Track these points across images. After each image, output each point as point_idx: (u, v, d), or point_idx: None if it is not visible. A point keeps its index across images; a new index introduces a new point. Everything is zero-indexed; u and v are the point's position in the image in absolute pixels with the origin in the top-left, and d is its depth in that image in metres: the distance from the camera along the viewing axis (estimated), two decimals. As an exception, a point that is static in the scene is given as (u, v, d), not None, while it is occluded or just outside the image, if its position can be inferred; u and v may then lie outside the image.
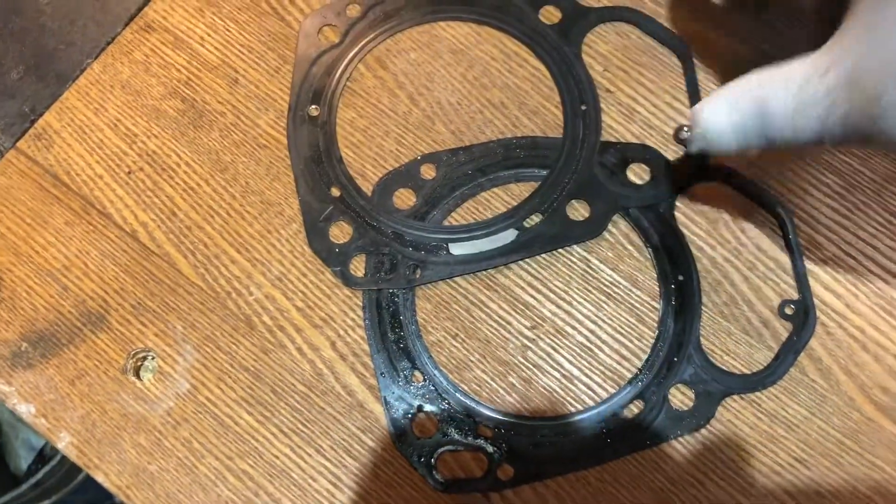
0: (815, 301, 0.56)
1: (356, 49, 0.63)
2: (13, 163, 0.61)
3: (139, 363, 0.56)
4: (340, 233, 0.59)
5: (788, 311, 0.56)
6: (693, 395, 0.55)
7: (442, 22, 0.64)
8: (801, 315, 0.56)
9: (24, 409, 0.56)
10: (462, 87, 0.62)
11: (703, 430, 0.54)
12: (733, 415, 0.55)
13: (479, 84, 0.62)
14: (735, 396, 0.55)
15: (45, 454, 1.58)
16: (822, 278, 0.57)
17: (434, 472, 0.54)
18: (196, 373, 0.56)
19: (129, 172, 0.60)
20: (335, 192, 0.60)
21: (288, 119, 0.62)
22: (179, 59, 0.63)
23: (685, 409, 0.55)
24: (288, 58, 0.63)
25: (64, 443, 0.55)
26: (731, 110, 0.45)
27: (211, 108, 0.62)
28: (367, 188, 0.60)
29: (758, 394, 0.55)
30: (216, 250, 0.58)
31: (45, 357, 0.57)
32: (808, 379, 0.55)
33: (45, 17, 0.69)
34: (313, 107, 0.62)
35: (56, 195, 0.60)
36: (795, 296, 0.57)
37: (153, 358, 0.56)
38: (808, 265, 0.57)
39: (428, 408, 0.55)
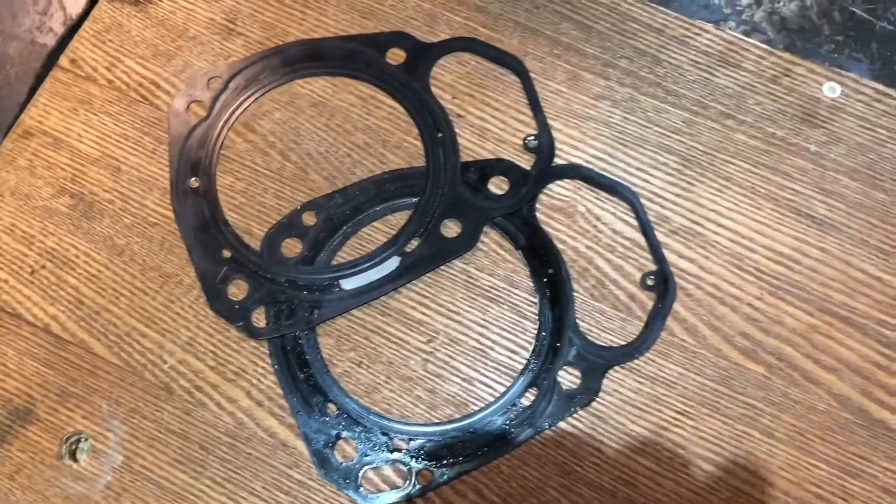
0: (672, 269, 0.63)
1: (224, 118, 0.68)
2: (-81, 284, 0.64)
3: (73, 446, 0.60)
4: (238, 290, 0.63)
5: (650, 282, 0.63)
6: (579, 374, 0.61)
7: (299, 80, 0.70)
8: (662, 284, 0.63)
9: (-30, 512, 0.59)
10: (327, 135, 0.68)
11: (593, 404, 0.60)
12: (618, 384, 0.61)
13: (342, 130, 0.68)
14: (616, 368, 0.61)
15: None
16: (674, 248, 0.64)
17: (360, 491, 0.59)
18: (127, 444, 0.60)
19: (33, 272, 0.64)
20: (226, 253, 0.64)
21: (172, 195, 0.66)
22: (62, 159, 0.68)
23: (574, 387, 0.61)
24: (163, 139, 0.68)
25: (13, 535, 0.58)
26: None
27: (99, 199, 0.66)
28: (255, 244, 0.65)
29: (636, 361, 0.61)
30: (126, 328, 0.63)
31: (-19, 459, 0.60)
32: (678, 339, 0.61)
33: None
34: (193, 179, 0.67)
35: (-35, 307, 0.64)
36: (654, 267, 0.63)
37: (85, 439, 0.60)
38: (661, 238, 0.64)
39: (345, 434, 0.60)
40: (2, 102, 0.73)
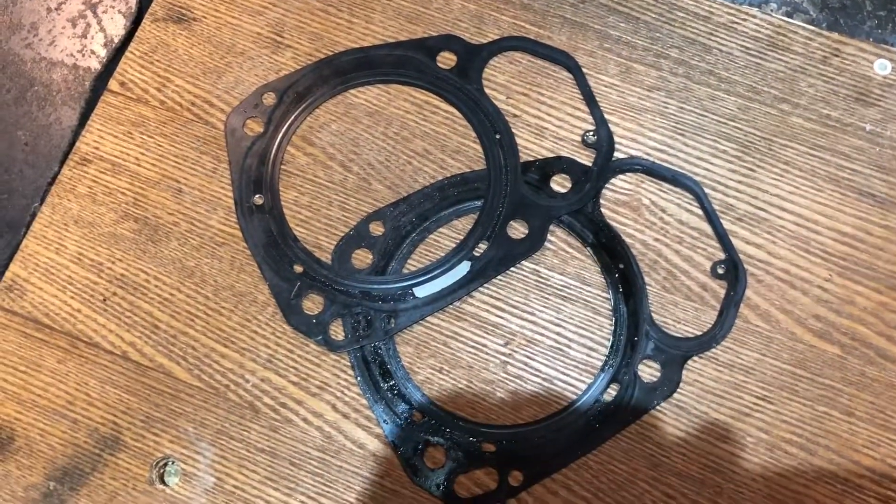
0: (741, 256, 0.64)
1: (282, 133, 0.69)
2: (-8, 319, 0.65)
3: (163, 471, 0.61)
4: (313, 304, 0.64)
5: (720, 270, 0.64)
6: (658, 367, 0.62)
7: (352, 90, 0.70)
8: (732, 271, 0.63)
9: (69, 542, 0.60)
10: (386, 144, 0.68)
11: (675, 395, 0.61)
12: (697, 374, 0.62)
13: (400, 138, 0.68)
14: (694, 358, 0.62)
15: None
16: (741, 234, 0.64)
17: (454, 496, 0.59)
18: (218, 466, 0.61)
19: (105, 300, 0.65)
20: (298, 268, 0.65)
21: (237, 213, 0.66)
22: (122, 183, 0.68)
23: (655, 380, 0.62)
24: (221, 157, 0.68)
25: (114, 562, 0.59)
26: None
27: (164, 221, 0.66)
28: (325, 258, 0.65)
29: (713, 350, 0.62)
30: (205, 350, 0.63)
31: (74, 489, 0.61)
32: (752, 325, 0.62)
33: (-21, 172, 0.73)
34: (257, 196, 0.67)
35: (41, 338, 0.64)
36: (723, 256, 0.64)
37: (174, 463, 0.61)
38: (727, 226, 0.65)
39: (434, 440, 0.61)
40: (51, 129, 0.73)
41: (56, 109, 0.75)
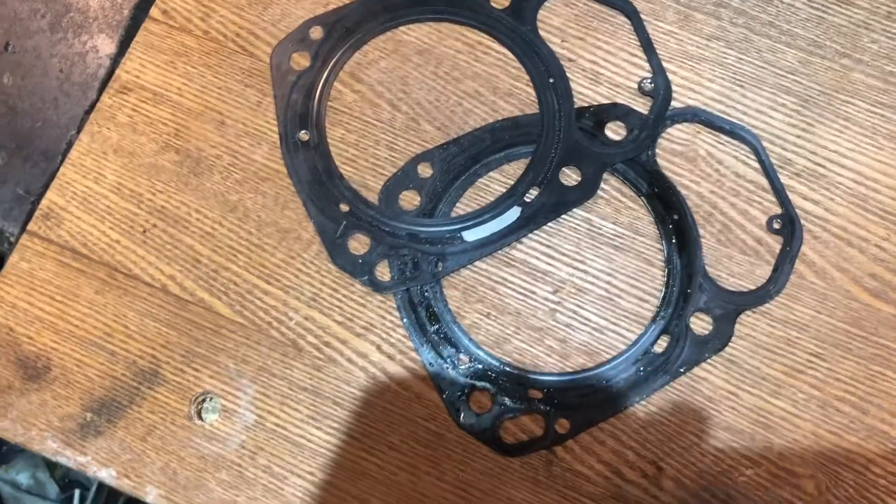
0: (798, 212, 0.62)
1: (329, 68, 0.67)
2: (29, 246, 0.63)
3: (202, 406, 0.60)
4: (359, 245, 0.62)
5: (776, 225, 0.62)
6: (711, 320, 0.61)
7: (402, 27, 0.68)
8: (789, 226, 0.62)
9: (105, 474, 0.59)
10: (436, 84, 0.66)
11: (726, 349, 0.60)
12: (749, 329, 0.61)
13: (451, 78, 0.66)
14: (748, 312, 0.61)
15: None
16: (799, 190, 0.63)
17: (500, 441, 0.58)
18: (259, 403, 0.59)
19: (144, 231, 0.63)
20: (344, 207, 0.63)
21: (282, 149, 0.65)
22: (163, 114, 0.66)
23: (706, 333, 0.60)
24: (266, 91, 0.66)
25: (152, 496, 0.58)
26: None
27: (206, 154, 0.64)
28: (372, 198, 0.64)
29: (767, 305, 0.61)
30: (247, 286, 0.62)
31: (111, 422, 0.59)
32: (808, 282, 0.61)
33: (13, 98, 0.71)
34: (303, 132, 0.65)
35: (79, 268, 0.62)
36: (779, 211, 0.63)
37: (214, 399, 0.60)
38: (784, 180, 0.63)
39: (480, 385, 0.60)
40: (87, 57, 0.71)
41: (92, 37, 0.73)
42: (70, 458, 0.59)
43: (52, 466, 1.67)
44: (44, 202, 0.64)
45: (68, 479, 1.65)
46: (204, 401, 0.60)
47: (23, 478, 1.61)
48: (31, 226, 0.64)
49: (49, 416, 0.60)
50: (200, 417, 0.60)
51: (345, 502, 0.58)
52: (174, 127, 0.66)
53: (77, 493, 1.65)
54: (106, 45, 0.72)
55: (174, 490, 0.58)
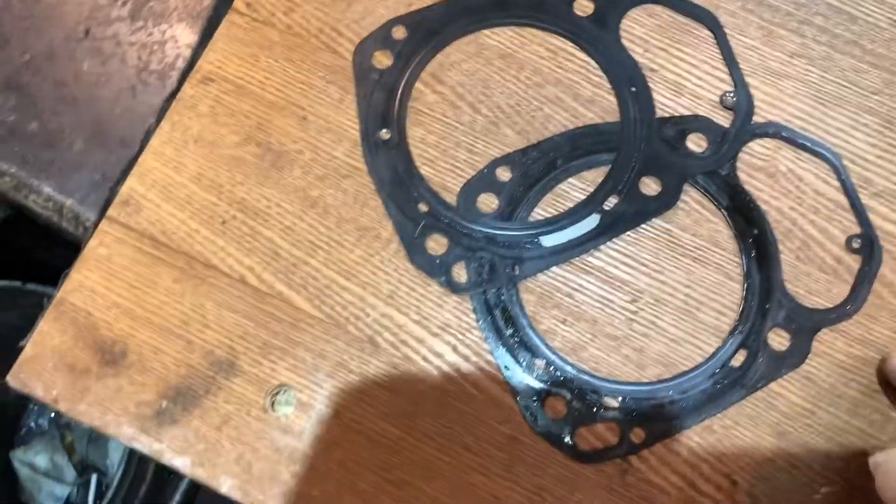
0: (878, 232, 0.62)
1: (411, 69, 0.67)
2: (108, 232, 0.63)
3: (278, 399, 0.60)
4: (436, 245, 0.63)
5: (855, 244, 0.62)
6: (788, 336, 0.61)
7: (485, 30, 0.68)
8: (868, 246, 0.62)
9: (180, 463, 0.59)
10: (518, 88, 0.66)
11: (803, 366, 0.60)
12: (827, 347, 0.61)
13: (532, 83, 0.67)
14: (825, 330, 0.61)
15: (71, 502, 1.60)
16: (879, 210, 0.63)
17: (575, 447, 0.59)
18: (334, 397, 0.60)
19: (224, 222, 0.63)
20: (423, 208, 0.63)
21: (363, 147, 0.65)
22: (245, 106, 0.66)
23: (784, 349, 0.60)
24: (348, 88, 0.66)
25: (226, 487, 0.58)
26: None
27: (287, 148, 0.65)
28: (450, 199, 0.64)
29: (845, 324, 0.61)
30: (326, 281, 0.62)
31: (186, 410, 0.60)
32: (886, 302, 0.61)
33: (91, 85, 0.71)
34: (384, 131, 0.65)
35: (158, 256, 0.63)
36: (859, 230, 0.63)
37: (290, 392, 0.60)
38: (864, 200, 0.63)
39: (555, 391, 0.60)
40: (166, 47, 0.71)
41: (172, 26, 0.73)
42: (145, 445, 0.59)
43: (70, 451, 1.67)
44: (124, 189, 0.64)
45: (86, 464, 1.66)
46: (280, 393, 0.60)
47: (41, 460, 1.62)
48: (110, 212, 0.64)
49: (125, 402, 0.60)
50: (276, 410, 0.60)
51: (418, 500, 0.58)
52: (256, 120, 0.66)
53: (94, 477, 1.66)
54: (185, 35, 0.72)
55: (248, 481, 0.58)
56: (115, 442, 1.62)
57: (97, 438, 1.67)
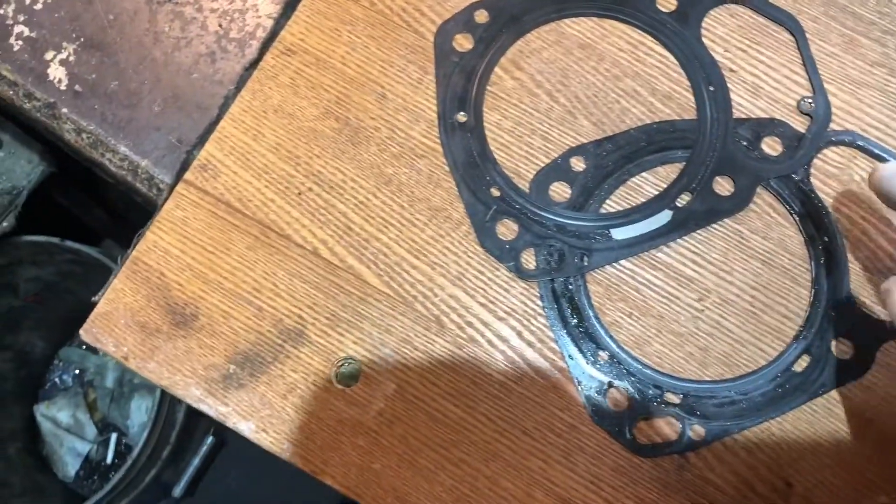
0: (949, 248, 0.62)
1: (490, 53, 0.67)
2: (185, 195, 0.64)
3: (344, 370, 0.61)
4: (507, 230, 0.63)
5: (926, 259, 0.62)
6: (852, 345, 0.61)
7: (567, 19, 0.68)
8: (938, 261, 0.62)
9: (245, 427, 0.60)
10: (596, 79, 0.67)
11: (865, 376, 0.60)
12: (891, 359, 0.61)
13: (611, 75, 0.67)
14: (891, 341, 0.61)
15: (90, 459, 1.63)
16: (951, 226, 0.63)
17: (634, 440, 0.59)
18: (399, 373, 0.61)
19: (299, 194, 0.64)
20: (495, 192, 0.64)
21: (439, 128, 0.65)
22: (325, 80, 0.67)
23: (847, 358, 0.61)
24: (428, 69, 0.67)
25: (288, 453, 0.60)
26: None
27: (365, 125, 0.65)
28: (523, 185, 0.64)
29: (909, 336, 0.61)
30: (396, 258, 0.63)
31: (253, 376, 0.61)
32: (953, 318, 0.61)
33: (172, 49, 0.72)
34: (461, 113, 0.66)
35: (232, 222, 0.64)
36: (930, 244, 0.62)
37: (356, 364, 0.61)
38: (938, 215, 0.63)
39: (617, 383, 0.60)
40: (247, 15, 0.72)
41: (254, -3, 0.73)
42: (212, 408, 0.60)
43: (92, 408, 1.70)
44: (202, 153, 0.65)
45: (106, 423, 1.68)
46: (345, 365, 0.61)
47: (63, 416, 1.65)
48: (188, 175, 0.65)
49: (194, 364, 0.61)
50: (341, 382, 0.61)
51: (476, 480, 0.59)
52: (335, 94, 0.67)
53: (114, 436, 1.69)
54: (266, 5, 0.73)
55: (310, 450, 0.60)
56: (137, 403, 1.65)
57: (119, 398, 1.70)
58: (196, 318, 0.62)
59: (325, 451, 0.60)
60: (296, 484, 1.53)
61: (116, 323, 0.62)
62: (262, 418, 0.60)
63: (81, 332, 0.62)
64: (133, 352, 0.62)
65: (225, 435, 1.63)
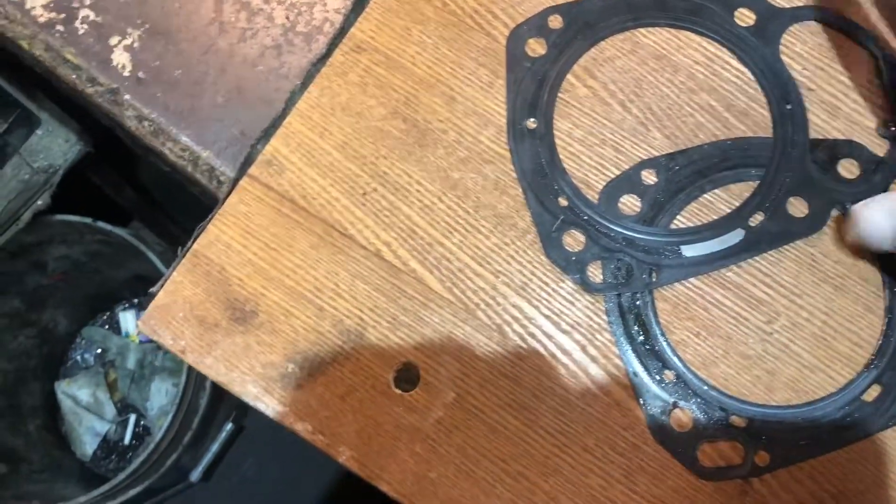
0: None
1: (563, 60, 0.66)
2: (249, 190, 0.63)
3: (403, 375, 0.60)
4: (574, 241, 0.62)
5: None
6: (925, 377, 0.59)
7: (642, 28, 0.67)
8: None
9: (301, 427, 0.59)
10: (670, 91, 0.65)
11: (937, 409, 0.59)
12: (965, 392, 0.59)
13: (686, 88, 0.65)
14: (965, 376, 0.59)
15: (108, 439, 1.63)
16: None
17: (697, 463, 0.58)
18: (459, 381, 0.60)
19: (364, 194, 0.63)
20: (563, 202, 0.63)
21: (508, 134, 0.64)
22: (394, 80, 0.66)
23: (919, 389, 0.59)
24: (499, 73, 0.66)
25: (344, 457, 0.59)
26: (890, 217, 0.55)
27: (433, 127, 0.64)
28: (592, 196, 0.63)
29: (985, 371, 0.59)
30: (459, 264, 0.62)
31: (311, 376, 0.60)
32: None
33: (238, 41, 0.71)
34: (531, 120, 0.65)
35: (296, 220, 0.63)
36: None
37: (416, 369, 0.60)
38: None
39: (682, 403, 0.59)
40: (314, 10, 0.71)
41: (323, -9, 0.72)
42: (268, 406, 0.60)
43: (112, 389, 1.70)
44: (268, 148, 0.65)
45: (126, 404, 1.68)
46: (405, 370, 0.60)
47: (83, 394, 1.65)
48: (252, 170, 0.64)
49: (252, 361, 0.61)
50: (400, 387, 0.60)
51: (534, 495, 0.58)
52: (404, 94, 0.66)
53: (132, 417, 1.69)
54: (337, 2, 0.72)
55: (367, 455, 0.59)
56: (157, 386, 1.65)
57: (140, 380, 1.70)
58: (256, 314, 0.61)
59: (382, 457, 0.59)
60: (307, 474, 1.52)
61: (175, 316, 0.62)
62: (320, 420, 0.59)
63: (139, 323, 0.62)
64: (191, 346, 0.61)
65: (244, 422, 1.63)
